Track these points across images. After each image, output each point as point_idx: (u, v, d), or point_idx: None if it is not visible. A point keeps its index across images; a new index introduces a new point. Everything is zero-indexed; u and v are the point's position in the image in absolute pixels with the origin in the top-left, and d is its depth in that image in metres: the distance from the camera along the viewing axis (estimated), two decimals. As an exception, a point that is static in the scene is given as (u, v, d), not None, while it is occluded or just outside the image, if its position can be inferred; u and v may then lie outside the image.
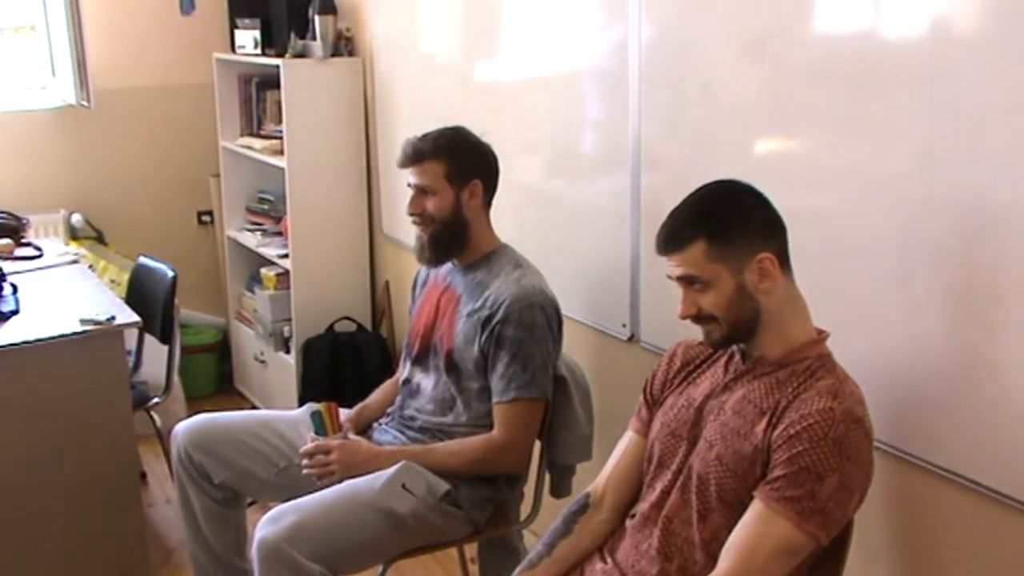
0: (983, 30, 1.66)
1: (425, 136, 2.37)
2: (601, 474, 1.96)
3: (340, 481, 2.28)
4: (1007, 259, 1.64)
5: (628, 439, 1.95)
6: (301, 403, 3.18)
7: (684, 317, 1.73)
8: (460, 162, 2.35)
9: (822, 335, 1.74)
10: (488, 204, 2.42)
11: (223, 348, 4.57)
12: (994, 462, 1.71)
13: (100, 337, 2.83)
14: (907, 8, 1.76)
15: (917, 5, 1.74)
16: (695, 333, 1.84)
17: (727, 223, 1.68)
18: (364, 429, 2.55)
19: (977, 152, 1.66)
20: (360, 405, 2.61)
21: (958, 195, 1.71)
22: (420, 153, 2.34)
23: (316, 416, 2.39)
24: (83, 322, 2.83)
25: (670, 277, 1.73)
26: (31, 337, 2.76)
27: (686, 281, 1.70)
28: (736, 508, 1.67)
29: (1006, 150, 1.62)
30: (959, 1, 1.68)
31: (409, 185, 2.38)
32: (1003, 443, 1.69)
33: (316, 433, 2.39)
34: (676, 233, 1.70)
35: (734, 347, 1.79)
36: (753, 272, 1.67)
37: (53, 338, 2.78)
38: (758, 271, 1.67)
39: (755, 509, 1.63)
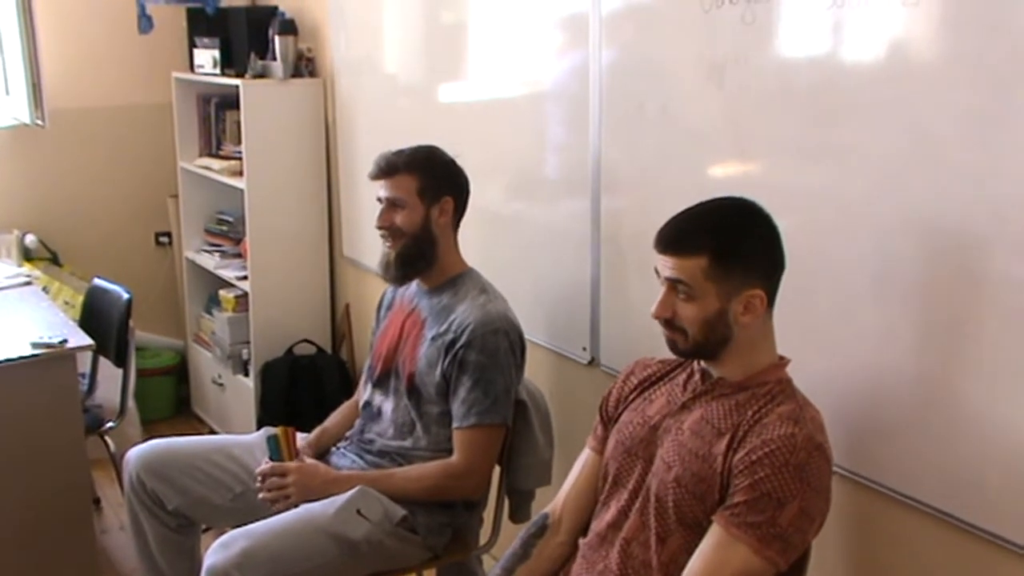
0: (940, 55, 1.68)
1: (399, 151, 2.36)
2: (559, 494, 1.95)
3: (296, 505, 2.26)
4: (967, 285, 1.65)
5: (585, 457, 1.94)
6: (259, 427, 3.14)
7: (657, 317, 1.70)
8: (433, 178, 2.34)
9: (783, 360, 1.74)
10: (457, 225, 2.41)
11: (181, 371, 4.51)
12: (950, 487, 1.71)
13: (52, 360, 2.79)
14: (865, 35, 1.77)
15: (875, 32, 1.75)
16: (656, 355, 1.83)
17: (736, 250, 1.65)
18: (324, 453, 2.51)
19: (936, 178, 1.68)
20: (319, 429, 2.58)
21: (918, 221, 1.72)
22: (393, 166, 2.33)
23: (272, 440, 2.36)
24: (35, 345, 2.79)
25: (657, 273, 1.70)
26: (-19, 361, 2.71)
27: (672, 284, 1.68)
28: (695, 530, 1.67)
29: (965, 176, 1.63)
30: (916, 27, 1.70)
31: (379, 199, 2.37)
32: (959, 469, 1.69)
33: (272, 458, 2.36)
34: (683, 238, 1.67)
35: (694, 366, 1.79)
36: (740, 303, 1.65)
37: (3, 362, 2.74)
38: (745, 304, 1.65)
39: (714, 534, 1.62)
